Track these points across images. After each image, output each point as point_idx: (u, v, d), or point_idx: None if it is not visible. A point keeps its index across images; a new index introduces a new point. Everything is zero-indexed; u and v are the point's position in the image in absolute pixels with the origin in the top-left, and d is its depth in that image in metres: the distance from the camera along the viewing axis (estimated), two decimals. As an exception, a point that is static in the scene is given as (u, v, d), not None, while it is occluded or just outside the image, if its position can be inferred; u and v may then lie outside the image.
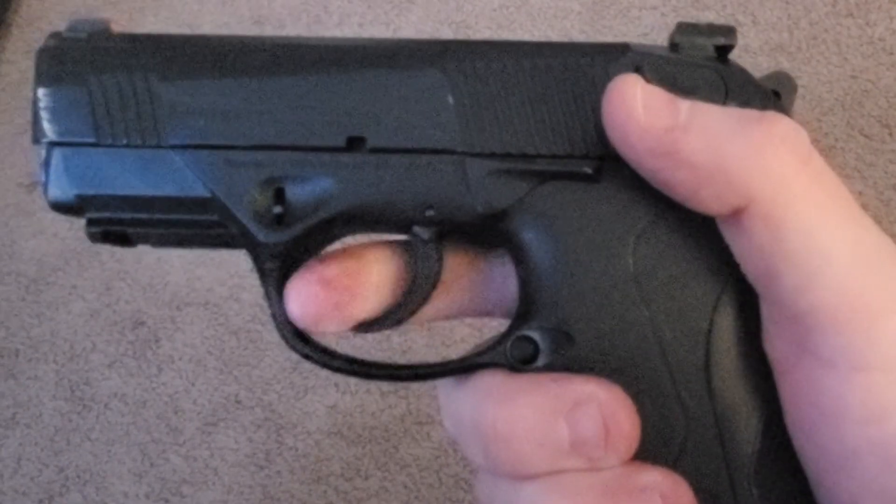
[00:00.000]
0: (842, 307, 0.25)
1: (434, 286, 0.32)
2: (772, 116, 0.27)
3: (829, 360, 0.25)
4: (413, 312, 0.32)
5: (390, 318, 0.32)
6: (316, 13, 1.20)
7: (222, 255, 1.03)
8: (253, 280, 1.01)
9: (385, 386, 0.96)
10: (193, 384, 0.99)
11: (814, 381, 0.26)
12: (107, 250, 1.04)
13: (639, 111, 0.27)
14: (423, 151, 0.30)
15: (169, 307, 1.02)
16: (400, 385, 0.96)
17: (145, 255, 1.04)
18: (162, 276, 1.04)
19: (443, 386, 0.31)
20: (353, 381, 0.96)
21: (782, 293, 0.26)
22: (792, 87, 0.31)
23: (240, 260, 1.02)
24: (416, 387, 0.95)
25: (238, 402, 0.98)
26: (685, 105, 0.27)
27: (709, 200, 0.27)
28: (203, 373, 0.99)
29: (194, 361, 1.00)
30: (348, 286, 0.31)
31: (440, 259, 0.31)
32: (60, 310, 1.04)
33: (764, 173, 0.26)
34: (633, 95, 0.27)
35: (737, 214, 0.26)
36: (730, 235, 0.28)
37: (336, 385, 0.97)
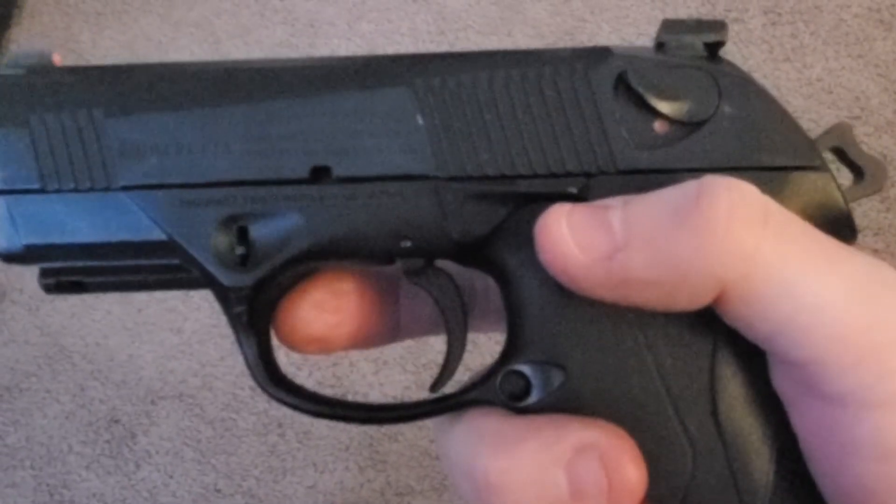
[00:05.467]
0: (846, 352, 0.23)
1: (465, 310, 0.30)
2: (709, 189, 0.24)
3: (837, 399, 0.24)
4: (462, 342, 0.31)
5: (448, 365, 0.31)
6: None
7: (193, 347, 1.05)
8: (225, 368, 1.03)
9: (362, 460, 0.97)
10: (172, 477, 0.99)
11: (823, 417, 0.25)
12: (79, 352, 1.05)
13: (574, 251, 0.25)
14: (393, 178, 0.28)
15: (143, 402, 1.03)
16: (377, 458, 0.97)
17: (117, 353, 1.05)
18: (135, 372, 1.05)
19: (436, 422, 0.30)
20: (330, 458, 0.98)
21: (782, 350, 0.25)
22: (852, 139, 0.29)
23: (210, 349, 1.04)
24: (393, 459, 0.97)
25: (218, 490, 0.98)
26: (616, 217, 0.25)
27: (685, 304, 0.25)
28: (181, 465, 1.00)
29: (171, 454, 1.00)
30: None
31: (455, 285, 0.30)
32: (35, 415, 1.04)
33: (725, 259, 0.24)
34: (562, 237, 0.25)
35: (716, 301, 0.25)
36: (717, 312, 0.26)
37: (314, 465, 0.98)
